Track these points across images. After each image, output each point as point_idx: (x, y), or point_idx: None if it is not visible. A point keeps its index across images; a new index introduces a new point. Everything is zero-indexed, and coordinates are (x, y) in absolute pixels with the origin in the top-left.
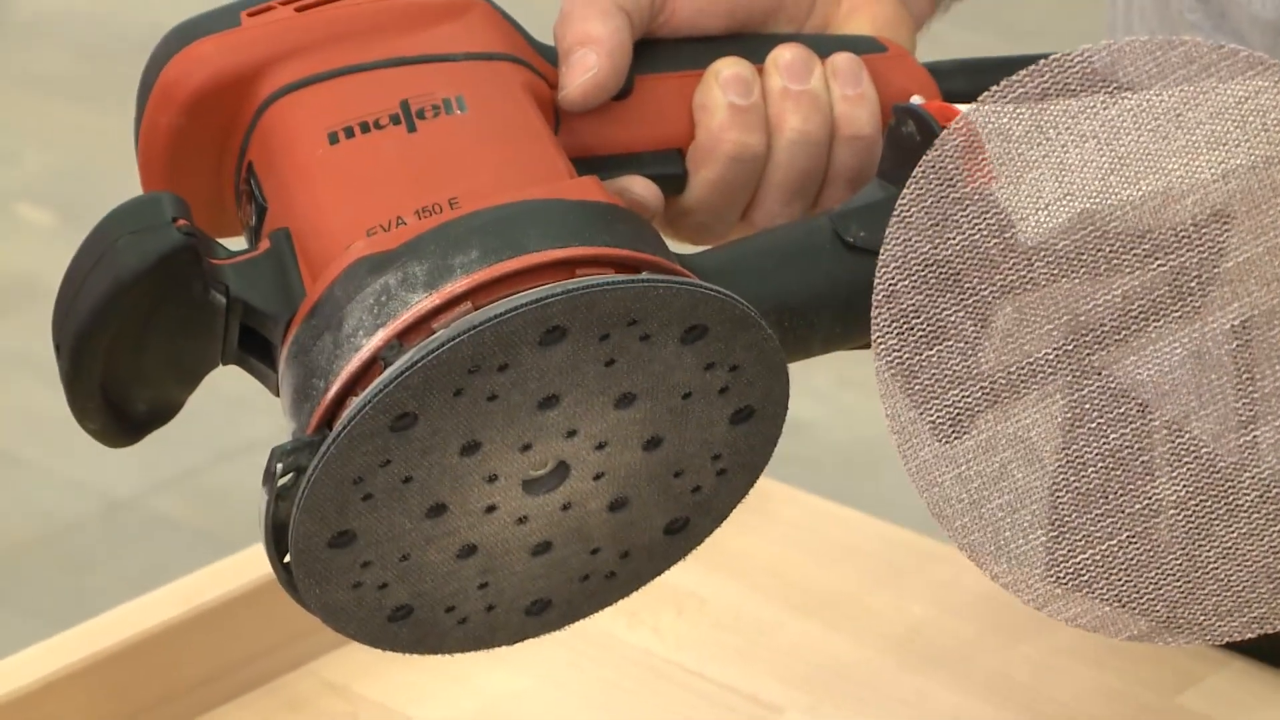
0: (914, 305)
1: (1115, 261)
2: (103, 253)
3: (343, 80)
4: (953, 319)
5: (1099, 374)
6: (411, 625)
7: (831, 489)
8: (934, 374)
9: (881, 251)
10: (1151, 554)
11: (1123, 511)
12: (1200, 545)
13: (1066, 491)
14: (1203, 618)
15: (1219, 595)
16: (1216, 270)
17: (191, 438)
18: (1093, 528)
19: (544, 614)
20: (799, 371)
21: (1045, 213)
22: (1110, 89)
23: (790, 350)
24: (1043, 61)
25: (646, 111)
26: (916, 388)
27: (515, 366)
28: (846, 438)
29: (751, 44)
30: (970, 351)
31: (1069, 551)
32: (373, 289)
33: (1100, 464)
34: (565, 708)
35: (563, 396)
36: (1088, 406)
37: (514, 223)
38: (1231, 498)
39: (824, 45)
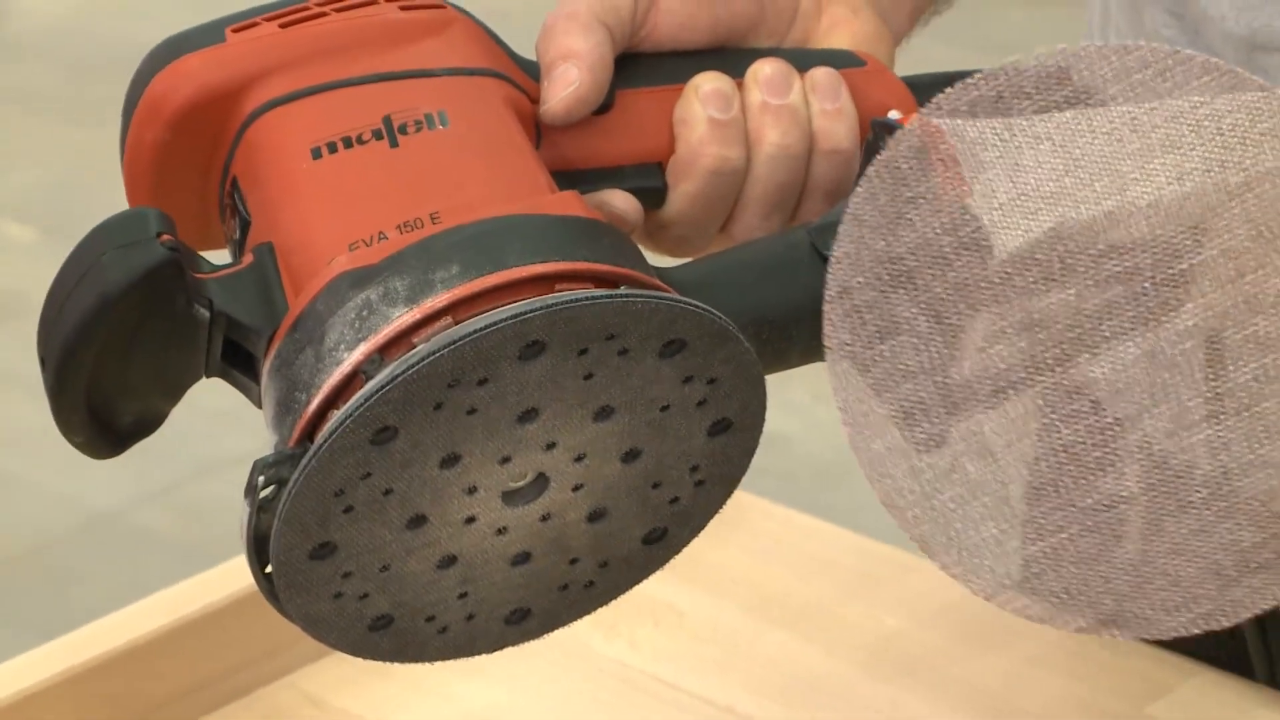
0: (866, 301)
1: (1070, 262)
2: (88, 267)
3: (326, 96)
4: (906, 315)
5: (1053, 371)
6: (392, 635)
7: (807, 502)
8: (887, 368)
9: (835, 249)
10: (1102, 548)
11: (1074, 506)
12: (1150, 541)
13: (1019, 485)
14: (1150, 612)
15: (1166, 591)
16: (1171, 272)
17: (173, 452)
18: (1044, 521)
19: (523, 623)
20: (775, 385)
21: (1000, 213)
22: (1066, 93)
23: (768, 363)
24: (1000, 66)
25: (627, 126)
26: (869, 381)
27: (495, 380)
28: (822, 451)
29: (732, 58)
30: (924, 347)
31: (1019, 544)
32: (354, 303)
33: (1053, 458)
34: (543, 719)
35: (542, 410)
36: (1041, 402)
37: (495, 238)
38: (1183, 494)
39: (803, 60)
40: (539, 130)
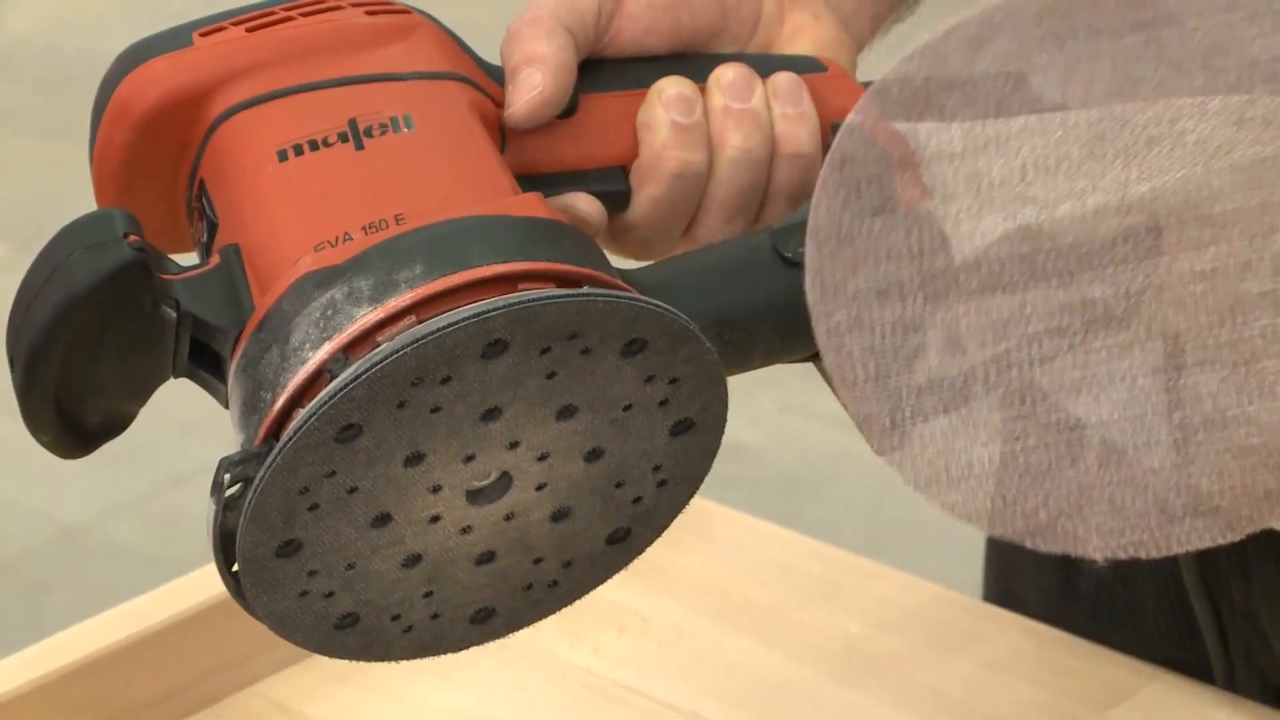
0: (867, 175)
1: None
2: (56, 267)
3: (292, 99)
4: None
5: (1049, 282)
6: (358, 633)
7: (773, 512)
8: (872, 243)
9: (850, 117)
10: (1054, 465)
11: (1038, 420)
12: (1107, 469)
13: (981, 385)
14: (1083, 532)
15: (1106, 516)
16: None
17: (142, 464)
18: (1003, 426)
19: (488, 622)
20: (742, 396)
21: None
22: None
23: (730, 363)
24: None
25: (591, 130)
26: (850, 253)
27: (458, 379)
28: (788, 462)
29: (695, 63)
30: (915, 230)
31: (968, 443)
32: (319, 303)
33: (1028, 369)
34: None
35: (505, 408)
36: (1030, 310)
37: (458, 238)
38: (1152, 434)
39: (766, 65)
40: (504, 134)
